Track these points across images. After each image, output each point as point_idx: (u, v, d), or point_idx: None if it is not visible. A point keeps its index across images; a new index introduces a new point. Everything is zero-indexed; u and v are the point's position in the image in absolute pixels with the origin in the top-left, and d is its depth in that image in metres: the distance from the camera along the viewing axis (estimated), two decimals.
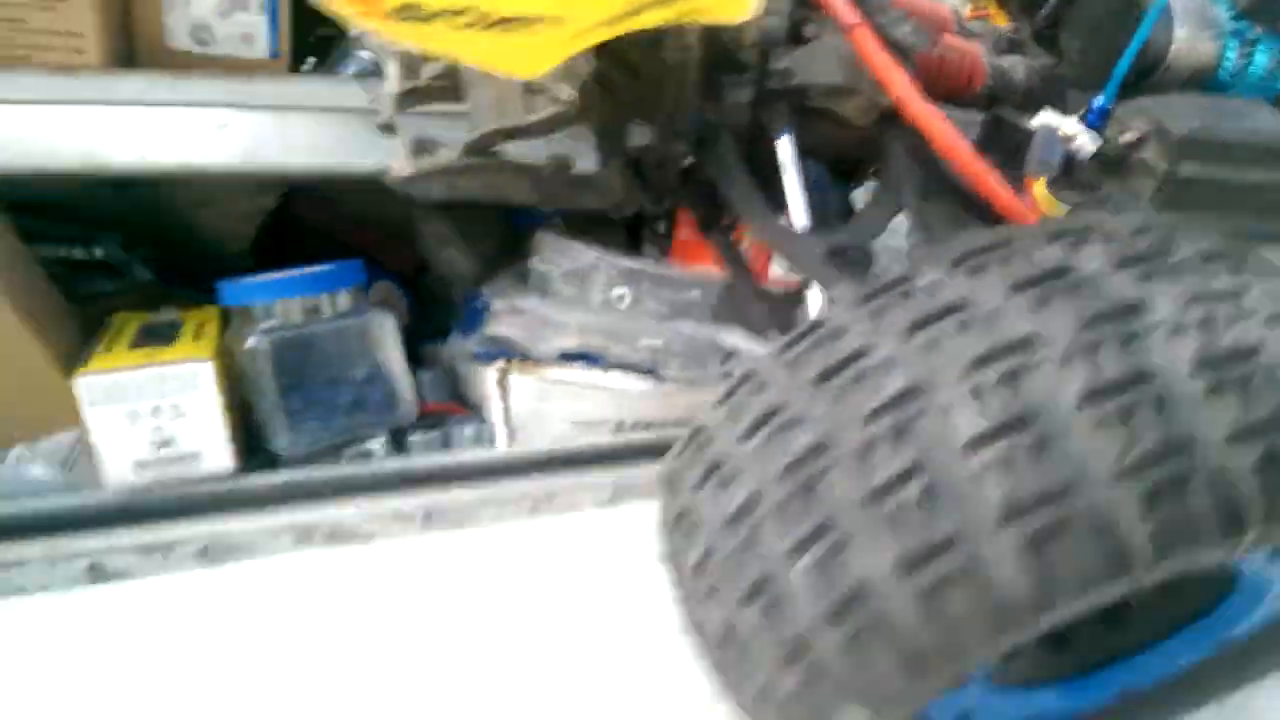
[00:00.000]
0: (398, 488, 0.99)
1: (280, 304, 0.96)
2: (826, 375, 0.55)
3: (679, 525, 0.58)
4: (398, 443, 1.02)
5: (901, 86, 0.74)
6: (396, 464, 0.99)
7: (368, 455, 1.00)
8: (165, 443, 0.91)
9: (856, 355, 0.55)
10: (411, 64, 0.81)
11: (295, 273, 0.97)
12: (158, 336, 0.94)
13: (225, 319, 1.00)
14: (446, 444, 1.04)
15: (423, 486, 0.99)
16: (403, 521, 0.97)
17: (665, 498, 0.60)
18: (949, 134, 0.73)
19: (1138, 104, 0.86)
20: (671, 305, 1.14)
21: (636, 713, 0.79)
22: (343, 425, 0.99)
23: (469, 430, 1.05)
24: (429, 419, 1.05)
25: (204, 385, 0.91)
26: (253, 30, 0.95)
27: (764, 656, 0.53)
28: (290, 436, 0.96)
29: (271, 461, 0.98)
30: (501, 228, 1.25)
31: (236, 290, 0.96)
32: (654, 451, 1.10)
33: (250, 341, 0.94)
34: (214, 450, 0.93)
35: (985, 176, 0.75)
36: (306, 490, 0.96)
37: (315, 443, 0.97)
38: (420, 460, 1.00)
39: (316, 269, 0.98)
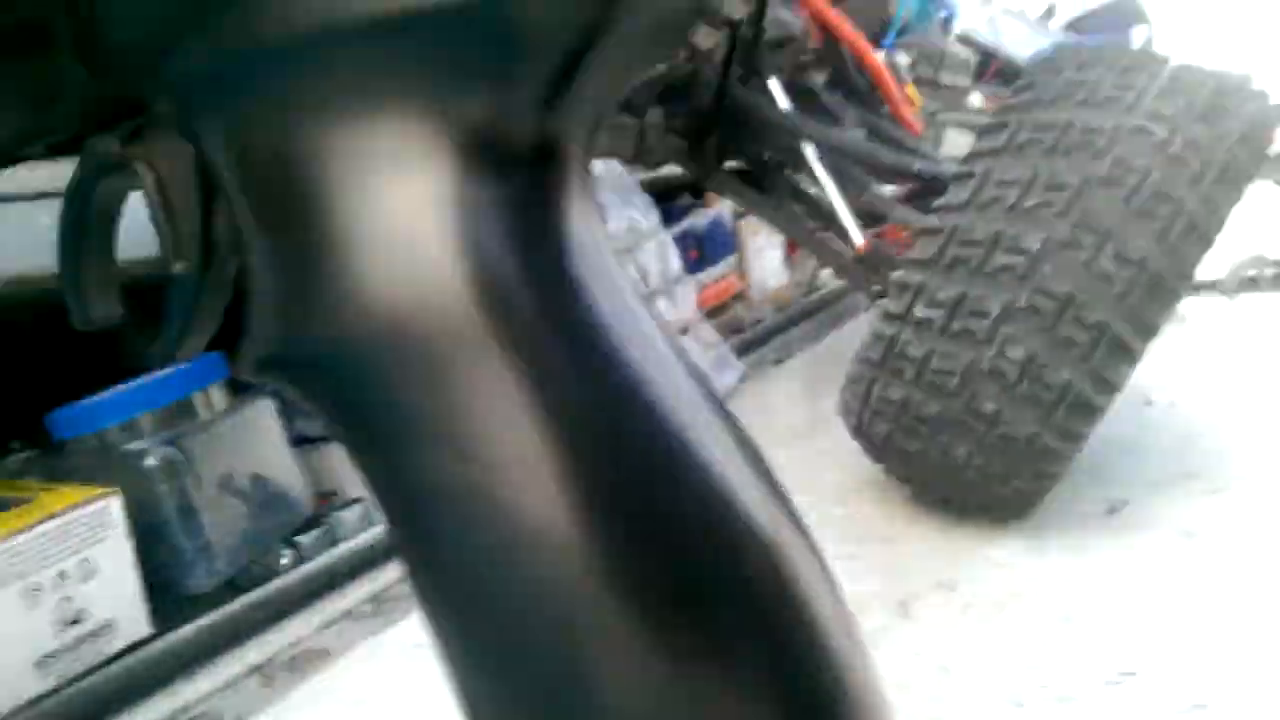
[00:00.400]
0: (332, 588, 0.89)
1: (145, 417, 0.81)
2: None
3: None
4: (292, 545, 0.91)
5: None
6: (319, 564, 0.89)
7: (274, 570, 0.87)
8: (75, 619, 0.71)
9: None
10: None
11: (146, 379, 0.81)
12: (6, 506, 0.72)
13: (55, 472, 0.80)
14: (332, 539, 0.95)
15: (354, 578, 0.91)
16: (359, 620, 0.88)
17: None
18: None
19: None
20: None
21: None
22: (249, 537, 0.85)
23: (349, 514, 0.97)
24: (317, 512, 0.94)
25: (116, 527, 0.72)
26: None
27: None
28: (207, 566, 0.80)
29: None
30: None
31: (91, 412, 0.78)
32: None
33: (150, 460, 0.77)
34: (130, 614, 0.74)
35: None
36: (243, 626, 0.82)
37: (231, 566, 0.82)
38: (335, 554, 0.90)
39: (171, 370, 0.83)
